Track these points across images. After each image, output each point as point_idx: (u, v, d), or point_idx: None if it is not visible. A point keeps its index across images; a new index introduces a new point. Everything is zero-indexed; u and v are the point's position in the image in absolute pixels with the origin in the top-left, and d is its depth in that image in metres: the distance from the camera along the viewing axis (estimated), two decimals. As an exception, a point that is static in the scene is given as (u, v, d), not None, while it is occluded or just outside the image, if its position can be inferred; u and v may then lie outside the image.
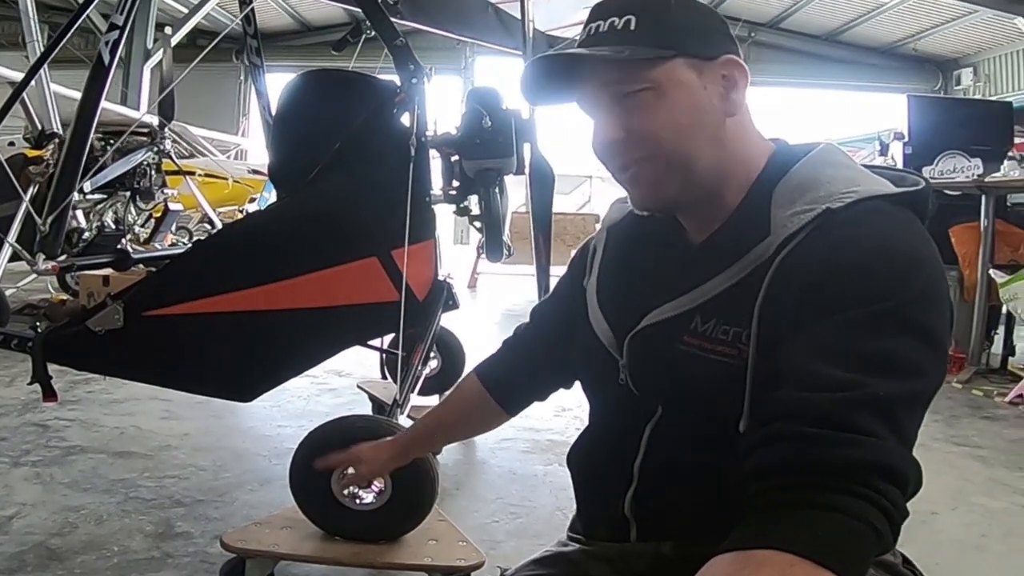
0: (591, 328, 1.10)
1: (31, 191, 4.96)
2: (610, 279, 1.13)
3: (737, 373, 0.91)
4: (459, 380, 1.38)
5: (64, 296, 6.28)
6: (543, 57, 1.00)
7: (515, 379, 1.30)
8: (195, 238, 9.38)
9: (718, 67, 0.98)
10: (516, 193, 3.22)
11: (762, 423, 0.80)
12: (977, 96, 14.91)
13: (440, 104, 2.65)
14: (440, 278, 2.59)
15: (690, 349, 0.96)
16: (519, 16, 3.74)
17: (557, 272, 2.81)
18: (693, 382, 0.96)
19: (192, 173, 8.24)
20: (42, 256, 2.72)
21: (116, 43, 2.80)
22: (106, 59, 2.78)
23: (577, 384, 1.22)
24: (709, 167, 0.98)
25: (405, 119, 2.49)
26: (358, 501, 2.00)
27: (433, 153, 2.63)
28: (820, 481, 0.73)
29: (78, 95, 2.87)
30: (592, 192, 14.70)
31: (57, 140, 6.22)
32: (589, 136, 1.02)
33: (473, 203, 2.89)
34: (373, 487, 1.99)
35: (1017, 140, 6.24)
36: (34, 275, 6.21)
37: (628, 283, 1.09)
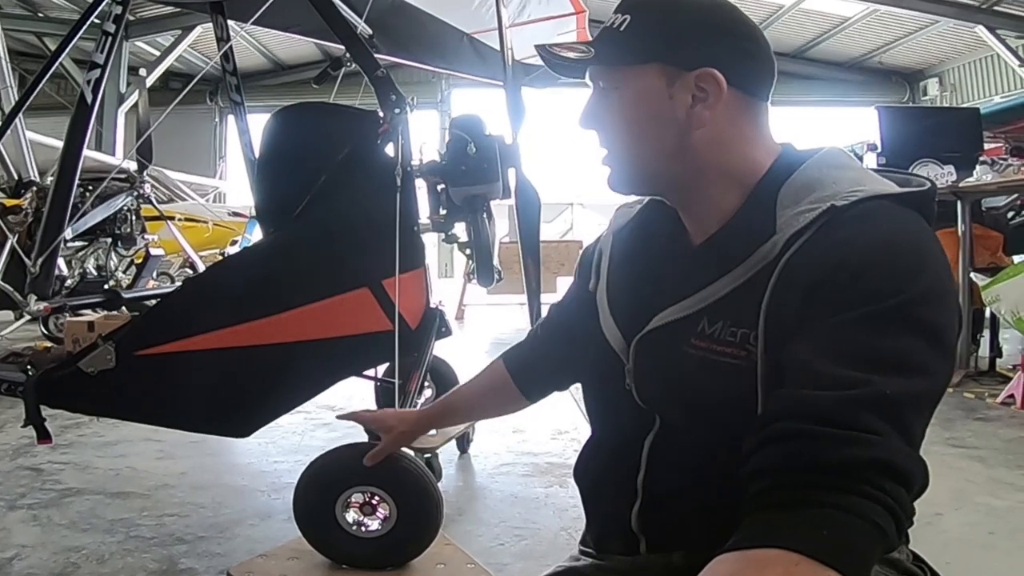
0: (602, 333, 1.10)
1: (11, 240, 4.93)
2: (618, 283, 1.12)
3: (747, 375, 0.90)
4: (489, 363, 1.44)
5: (48, 344, 6.22)
6: (541, 50, 1.07)
7: (535, 369, 1.36)
8: (177, 283, 9.34)
9: (692, 79, 0.98)
10: (501, 223, 3.23)
11: (766, 421, 0.80)
12: (944, 105, 15.15)
13: (418, 137, 2.66)
14: (432, 306, 2.60)
15: (698, 352, 0.95)
16: (494, 46, 3.78)
17: (547, 298, 2.84)
18: (701, 385, 0.95)
19: (172, 218, 8.22)
20: (33, 297, 2.71)
21: (98, 82, 2.81)
22: (88, 98, 2.79)
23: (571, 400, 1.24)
24: (671, 172, 1.01)
25: (389, 149, 2.51)
26: (363, 528, 2.00)
27: (419, 182, 2.65)
28: (825, 480, 0.72)
29: (53, 141, 2.89)
30: (574, 219, 14.72)
31: (35, 188, 6.21)
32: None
33: (460, 230, 2.90)
34: (378, 513, 1.98)
35: (987, 145, 6.35)
36: (16, 324, 6.17)
37: (635, 286, 1.09)
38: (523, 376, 1.36)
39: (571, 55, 1.04)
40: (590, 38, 1.18)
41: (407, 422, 1.55)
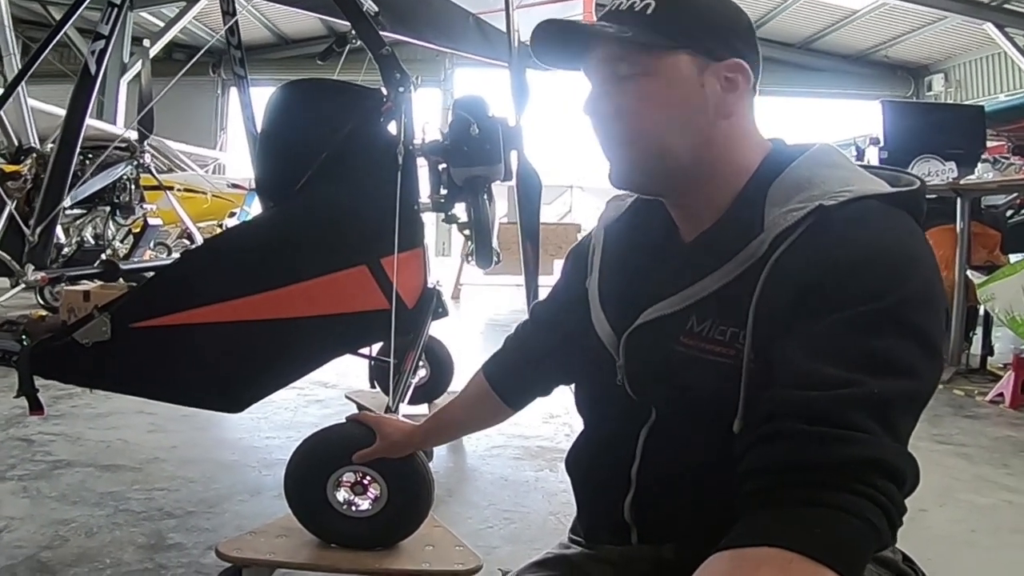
0: (593, 328, 1.10)
1: (10, 206, 4.91)
2: (609, 277, 1.12)
3: (735, 373, 0.91)
4: (470, 379, 1.43)
5: (44, 312, 6.21)
6: (550, 22, 1.02)
7: (517, 376, 1.33)
8: (174, 254, 9.32)
9: (722, 68, 0.97)
10: (500, 203, 3.22)
11: (757, 421, 0.81)
12: (949, 101, 15.13)
13: (420, 116, 2.65)
14: (429, 286, 2.60)
15: (688, 350, 0.95)
16: (501, 27, 3.75)
17: (545, 281, 2.84)
18: (690, 383, 0.95)
19: (171, 188, 8.19)
20: (31, 267, 2.69)
21: (102, 53, 2.80)
22: (92, 69, 2.78)
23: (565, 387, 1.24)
24: (689, 164, 0.99)
25: (392, 127, 2.50)
26: (354, 508, 2.00)
27: (420, 161, 2.64)
28: (818, 479, 0.73)
29: (55, 109, 2.87)
30: (573, 202, 14.74)
31: (35, 155, 6.19)
32: (583, 101, 1.03)
33: (461, 211, 2.89)
34: (369, 493, 1.98)
35: (989, 143, 6.34)
36: (12, 292, 6.15)
37: (626, 281, 1.08)
38: (503, 387, 1.34)
39: (611, 28, 0.97)
40: (597, 22, 1.13)
41: (402, 432, 1.62)
